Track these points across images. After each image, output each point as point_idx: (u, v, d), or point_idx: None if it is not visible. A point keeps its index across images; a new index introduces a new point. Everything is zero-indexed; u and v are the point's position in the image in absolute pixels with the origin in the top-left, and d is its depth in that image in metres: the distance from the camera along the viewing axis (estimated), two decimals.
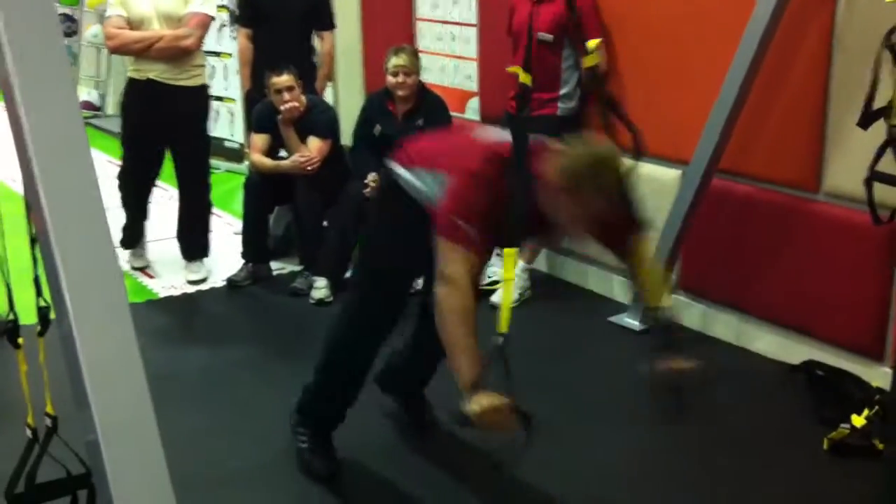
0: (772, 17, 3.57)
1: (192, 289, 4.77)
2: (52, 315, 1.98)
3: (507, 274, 2.55)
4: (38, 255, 1.96)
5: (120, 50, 4.74)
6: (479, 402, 2.33)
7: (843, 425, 3.15)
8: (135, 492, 1.36)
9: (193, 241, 4.93)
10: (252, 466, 3.12)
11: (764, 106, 3.75)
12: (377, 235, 3.00)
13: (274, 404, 3.48)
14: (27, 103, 1.32)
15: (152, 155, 4.79)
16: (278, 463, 3.12)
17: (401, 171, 2.79)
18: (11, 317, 2.09)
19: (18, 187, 2.08)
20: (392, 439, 3.30)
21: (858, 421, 3.14)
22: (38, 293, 2.00)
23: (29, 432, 2.13)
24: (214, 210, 5.19)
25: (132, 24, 4.54)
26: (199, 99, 4.76)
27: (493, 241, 2.56)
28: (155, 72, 4.55)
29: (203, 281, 4.84)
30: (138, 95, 4.65)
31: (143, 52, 4.52)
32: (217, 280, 4.84)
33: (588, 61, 3.54)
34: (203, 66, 4.78)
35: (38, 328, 1.99)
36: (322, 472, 3.03)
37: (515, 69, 3.08)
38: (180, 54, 4.55)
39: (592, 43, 3.72)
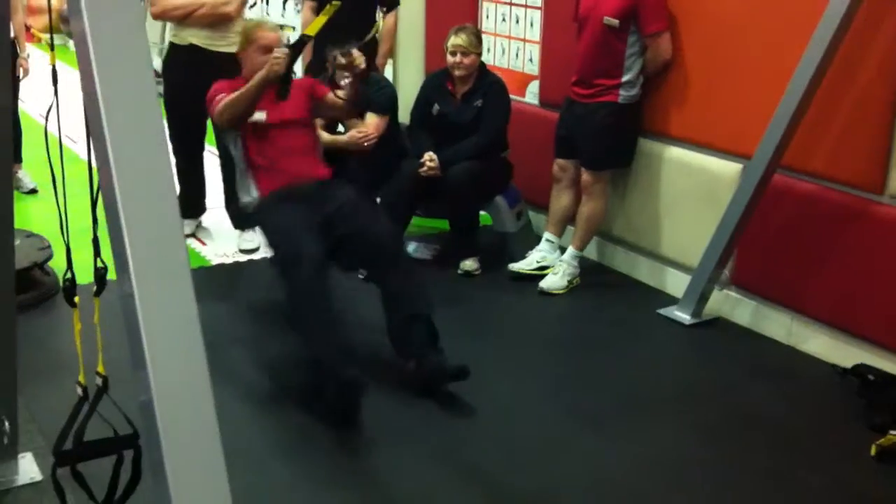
0: (845, 14, 3.48)
1: (242, 258, 4.82)
2: (110, 276, 2.03)
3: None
4: (99, 217, 1.99)
5: (162, 16, 4.85)
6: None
7: (892, 432, 3.09)
8: (186, 454, 1.37)
9: (237, 210, 4.92)
10: (298, 435, 3.15)
11: (831, 104, 3.67)
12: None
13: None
14: (101, 63, 1.33)
15: (196, 119, 4.87)
16: (311, 434, 3.15)
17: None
18: (69, 276, 2.11)
19: (77, 148, 2.09)
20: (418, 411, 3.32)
21: None
22: (97, 254, 2.02)
23: (80, 390, 2.16)
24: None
25: None
26: (237, 65, 4.81)
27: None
28: (197, 38, 4.71)
29: (256, 250, 4.88)
30: (179, 60, 4.80)
31: (184, 18, 4.69)
32: (268, 250, 4.86)
33: None
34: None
35: (95, 288, 2.02)
36: (338, 382, 3.11)
37: None
38: (221, 20, 4.72)
39: None
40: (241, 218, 4.77)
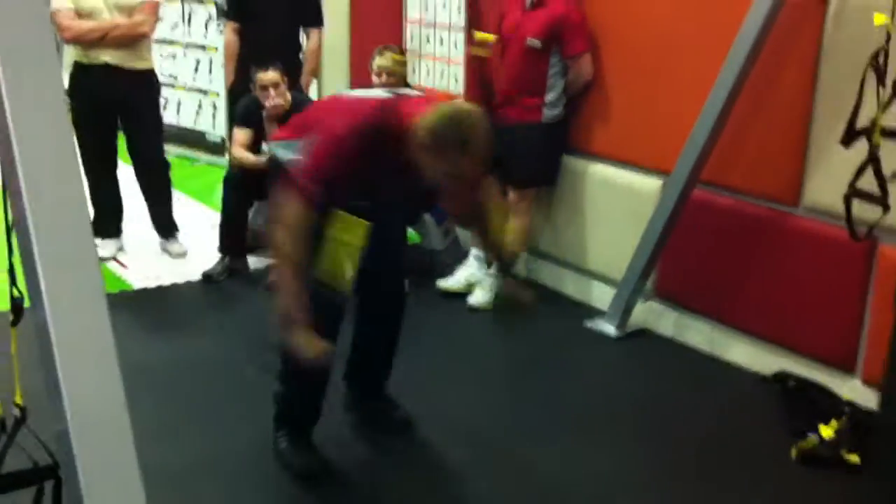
0: (760, 32, 3.59)
1: (166, 281, 4.74)
2: (27, 304, 1.98)
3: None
4: (14, 244, 1.95)
5: (77, 40, 4.83)
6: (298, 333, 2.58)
7: (811, 435, 3.17)
8: (104, 482, 1.35)
9: (164, 218, 5.16)
10: (221, 459, 3.11)
11: (748, 120, 3.78)
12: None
13: (245, 399, 3.48)
14: (10, 88, 1.31)
15: (109, 136, 4.98)
16: (248, 456, 3.12)
17: (275, 146, 3.00)
18: None
19: None
20: (369, 443, 3.29)
21: (827, 432, 3.17)
22: (13, 282, 1.98)
23: None
24: (193, 202, 5.17)
25: (82, 14, 4.72)
26: (151, 81, 5.00)
27: (358, 195, 2.73)
28: (110, 56, 4.75)
29: (183, 255, 5.07)
30: (90, 79, 4.79)
31: (99, 41, 4.71)
32: (193, 274, 4.80)
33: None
34: (150, 50, 5.05)
35: (11, 318, 1.97)
36: (303, 470, 3.01)
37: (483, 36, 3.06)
38: (137, 40, 4.81)
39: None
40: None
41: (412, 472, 3.11)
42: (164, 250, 5.13)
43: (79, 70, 4.84)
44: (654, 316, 4.25)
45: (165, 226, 5.17)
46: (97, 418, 1.34)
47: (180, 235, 5.21)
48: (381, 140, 2.65)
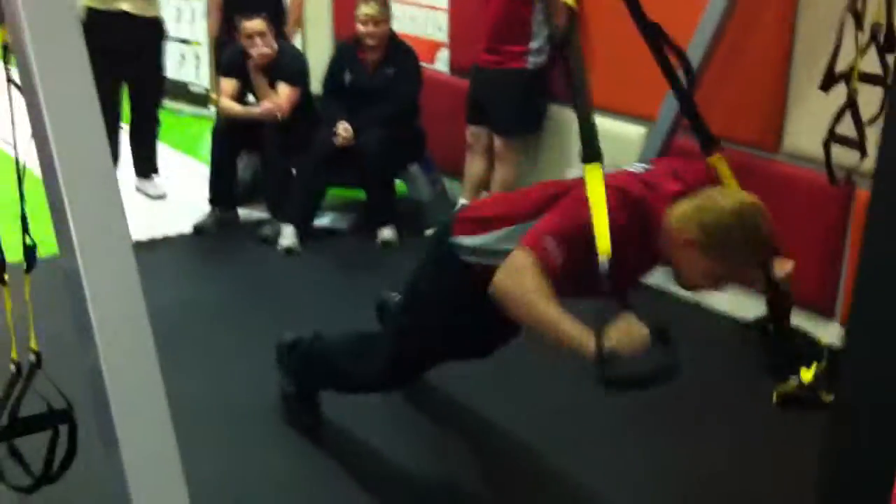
0: None
1: (158, 234, 4.78)
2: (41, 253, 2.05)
3: (594, 198, 2.22)
4: (24, 194, 2.00)
5: None
6: (609, 335, 2.09)
7: (791, 378, 3.28)
8: (137, 420, 1.43)
9: (146, 158, 5.29)
10: (224, 404, 3.21)
11: (728, 66, 3.84)
12: (431, 311, 2.63)
13: (239, 349, 3.56)
14: (35, 37, 1.36)
15: (117, 87, 5.00)
16: (251, 402, 3.21)
17: (471, 240, 2.47)
18: None
19: None
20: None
21: (806, 375, 3.27)
22: (25, 231, 2.04)
23: (13, 367, 2.17)
24: (179, 154, 5.21)
25: None
26: (158, 29, 5.08)
27: (585, 285, 2.16)
28: (127, 4, 4.78)
29: (163, 197, 5.22)
30: (105, 27, 4.77)
31: None
32: (184, 226, 4.85)
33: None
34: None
35: (25, 265, 2.03)
36: (308, 423, 3.06)
37: None
38: None
39: None
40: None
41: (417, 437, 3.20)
42: (141, 190, 5.26)
43: (93, 16, 4.80)
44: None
45: (145, 165, 5.29)
46: (128, 358, 1.42)
47: (159, 180, 5.34)
48: (626, 238, 2.21)
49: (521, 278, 2.18)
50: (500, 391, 3.35)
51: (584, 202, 2.22)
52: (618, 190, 2.30)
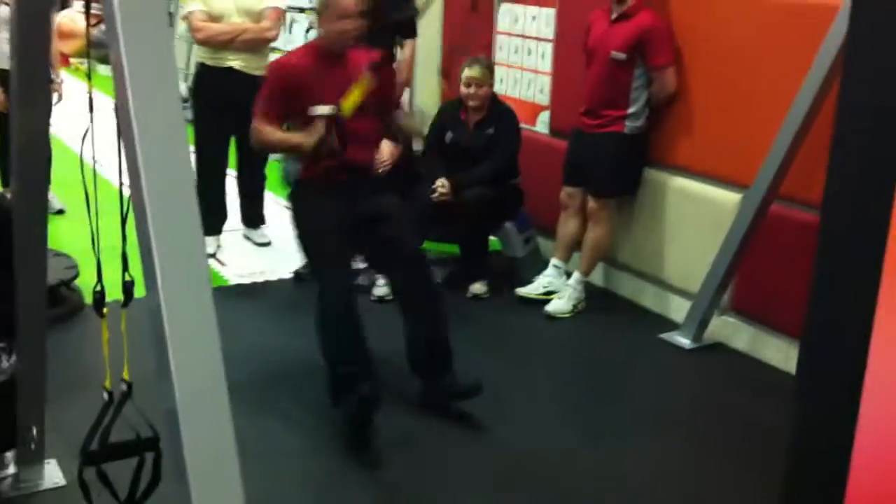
0: (843, 44, 3.63)
1: (260, 278, 4.98)
2: (137, 291, 2.19)
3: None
4: (126, 234, 2.16)
5: (208, 42, 5.08)
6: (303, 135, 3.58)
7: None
8: (205, 458, 1.51)
9: (254, 211, 5.55)
10: (305, 446, 3.30)
11: (828, 135, 3.79)
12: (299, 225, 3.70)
13: (322, 390, 3.65)
14: (135, 90, 1.49)
15: (224, 139, 5.26)
16: (324, 442, 3.30)
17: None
18: (99, 288, 2.27)
19: (105, 171, 2.26)
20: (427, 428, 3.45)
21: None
22: (125, 267, 2.19)
23: (106, 395, 2.31)
24: (284, 203, 5.41)
25: (213, 17, 5.01)
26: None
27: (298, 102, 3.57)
28: (237, 62, 5.02)
29: (268, 244, 5.46)
30: (215, 81, 5.07)
31: (228, 43, 4.98)
32: (285, 272, 5.03)
33: None
34: (268, 57, 5.27)
35: (123, 300, 2.18)
36: (353, 415, 3.26)
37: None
38: (263, 45, 5.11)
39: None
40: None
41: (474, 463, 3.24)
42: (248, 238, 5.54)
43: (204, 71, 5.14)
44: (729, 330, 4.29)
45: (253, 217, 5.55)
46: (201, 399, 1.51)
47: (266, 229, 5.59)
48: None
49: (252, 132, 3.70)
50: (579, 449, 3.35)
51: (272, 71, 3.93)
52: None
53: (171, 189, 1.49)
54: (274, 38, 5.17)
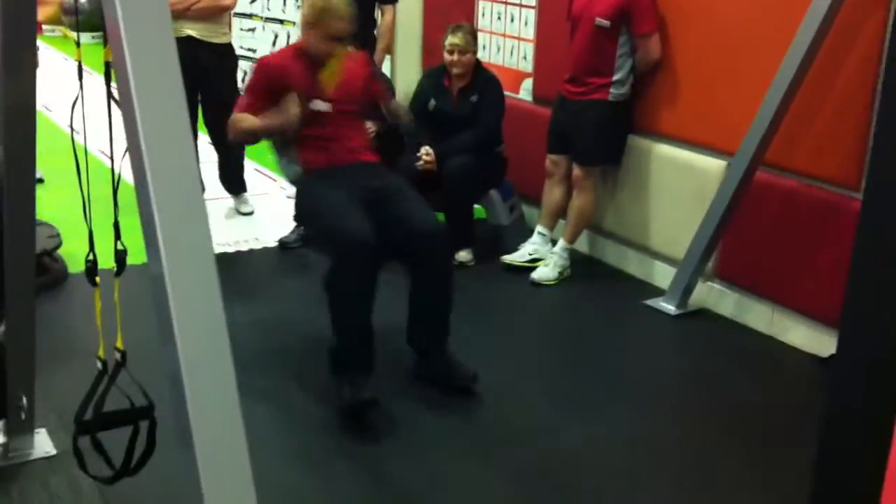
0: (826, 15, 3.64)
1: (244, 247, 4.97)
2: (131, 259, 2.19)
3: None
4: (119, 203, 2.15)
5: None
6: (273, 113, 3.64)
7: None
8: (211, 423, 1.52)
9: (235, 178, 5.51)
10: (293, 416, 3.31)
11: (812, 103, 3.83)
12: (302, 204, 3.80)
13: (317, 360, 3.66)
14: (134, 57, 1.48)
15: (191, 106, 5.13)
16: (322, 413, 3.30)
17: None
18: (91, 257, 2.26)
19: (81, 140, 2.24)
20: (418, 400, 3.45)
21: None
22: (117, 237, 2.18)
23: (100, 364, 2.30)
24: (268, 172, 5.38)
25: None
26: (229, 54, 5.30)
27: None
28: (194, 30, 5.00)
29: (251, 214, 5.44)
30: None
31: (184, 12, 4.94)
32: (269, 240, 5.02)
33: None
34: (229, 25, 5.34)
35: (116, 269, 2.17)
36: (353, 402, 3.22)
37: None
38: (220, 13, 5.10)
39: None
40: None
41: (455, 434, 3.27)
42: (233, 208, 5.50)
43: None
44: (714, 296, 4.33)
45: (232, 183, 5.49)
46: (206, 363, 1.52)
47: (249, 197, 5.56)
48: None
49: (229, 124, 3.76)
50: (561, 416, 3.39)
51: (258, 67, 3.90)
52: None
53: (173, 157, 1.48)
54: (230, 6, 5.16)
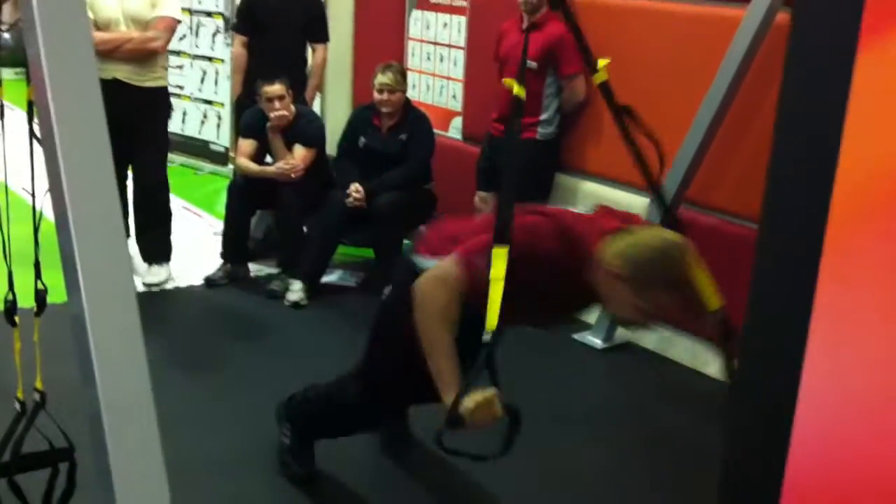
0: (745, 54, 3.78)
1: (169, 285, 4.88)
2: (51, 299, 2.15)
3: (495, 273, 2.28)
4: (39, 241, 2.11)
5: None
6: (471, 399, 2.26)
7: None
8: (131, 465, 1.50)
9: (155, 243, 4.93)
10: (224, 457, 3.26)
11: (734, 140, 3.95)
12: (396, 348, 2.64)
13: (246, 400, 3.63)
14: (56, 94, 1.47)
15: (117, 154, 4.87)
16: (250, 455, 3.26)
17: (430, 261, 2.50)
18: (11, 297, 2.22)
19: (12, 185, 2.21)
20: (371, 452, 3.38)
21: None
22: (38, 276, 2.14)
23: (18, 406, 2.25)
24: (193, 208, 5.27)
25: (99, 25, 4.56)
26: (161, 99, 4.84)
27: (523, 311, 2.44)
28: (121, 72, 4.58)
29: (163, 283, 4.86)
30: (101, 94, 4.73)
31: (111, 53, 4.53)
32: (195, 279, 4.96)
33: (598, 78, 3.53)
34: (166, 68, 4.87)
35: (36, 309, 2.13)
36: (299, 474, 3.10)
37: (510, 82, 2.93)
38: (148, 56, 4.64)
39: (603, 62, 3.70)
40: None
41: (393, 470, 3.26)
42: (146, 272, 4.86)
43: None
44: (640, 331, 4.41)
45: (154, 251, 4.92)
46: (126, 404, 1.50)
47: (162, 268, 4.93)
48: (556, 267, 2.38)
49: (439, 287, 2.34)
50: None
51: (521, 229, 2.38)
52: (552, 219, 2.47)
53: (95, 196, 1.47)
54: (159, 49, 4.65)
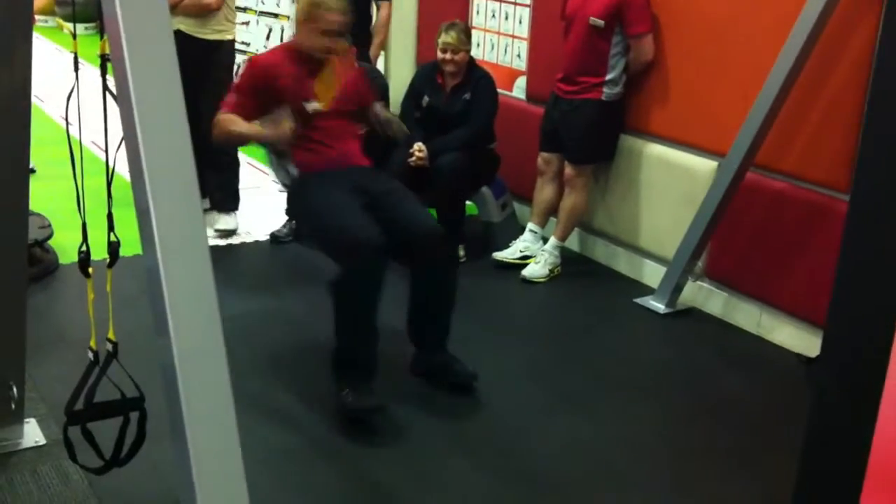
0: (819, 17, 3.67)
1: (237, 240, 4.96)
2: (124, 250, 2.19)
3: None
4: (112, 194, 2.16)
5: None
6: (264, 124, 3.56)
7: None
8: (203, 413, 1.53)
9: (224, 191, 5.09)
10: (284, 411, 3.31)
11: (803, 105, 3.85)
12: (300, 207, 3.71)
13: (305, 354, 3.67)
14: (132, 51, 1.49)
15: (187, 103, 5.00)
16: (310, 408, 3.32)
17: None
18: (84, 248, 2.27)
19: (74, 131, 2.25)
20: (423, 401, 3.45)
21: None
22: (111, 228, 2.19)
23: (91, 355, 2.31)
24: (259, 165, 5.33)
25: None
26: (221, 52, 5.00)
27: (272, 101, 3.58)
28: (184, 24, 4.82)
29: (232, 232, 5.03)
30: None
31: (172, 7, 4.66)
32: (261, 234, 5.02)
33: None
34: (231, 22, 5.04)
35: (109, 261, 2.18)
36: (360, 409, 3.18)
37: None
38: (203, 11, 4.85)
39: None
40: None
41: (452, 428, 3.28)
42: (216, 219, 5.04)
43: None
44: (703, 296, 4.36)
45: (224, 200, 5.09)
46: (200, 355, 1.52)
47: (240, 207, 5.16)
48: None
49: (215, 124, 3.61)
50: (552, 413, 3.41)
51: (248, 67, 3.77)
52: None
53: (169, 150, 1.49)
54: (213, 6, 4.83)
